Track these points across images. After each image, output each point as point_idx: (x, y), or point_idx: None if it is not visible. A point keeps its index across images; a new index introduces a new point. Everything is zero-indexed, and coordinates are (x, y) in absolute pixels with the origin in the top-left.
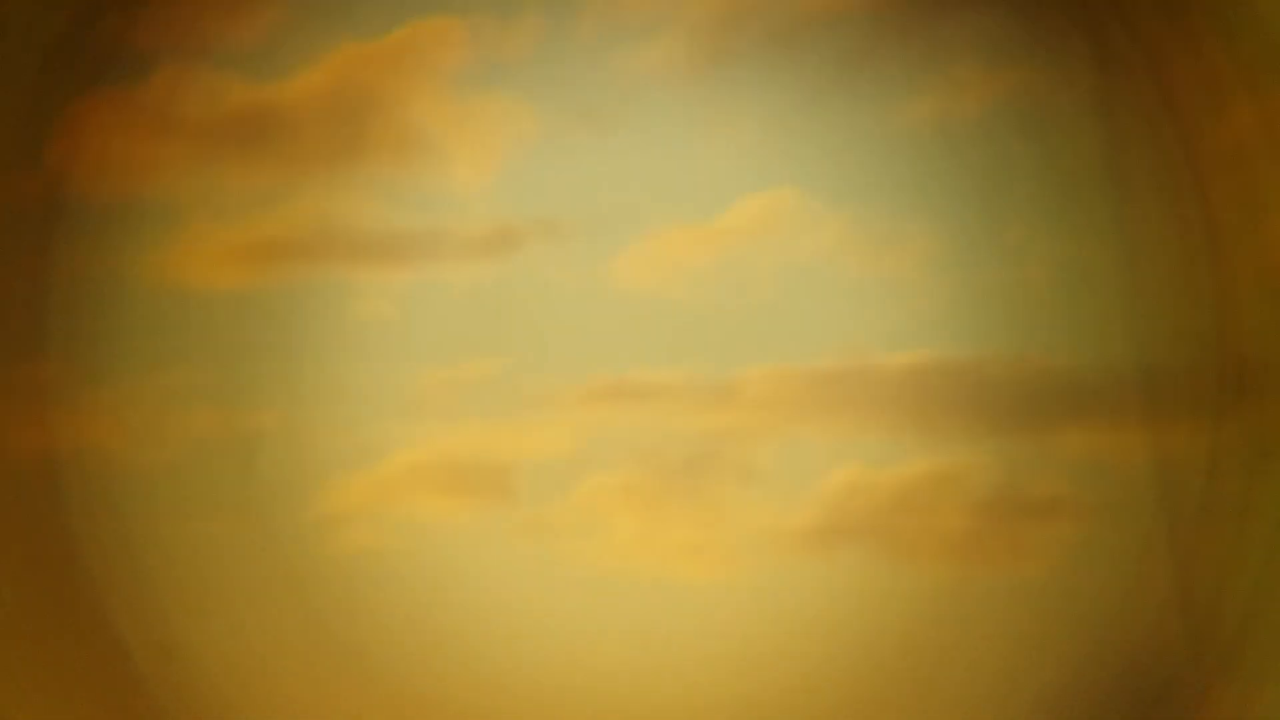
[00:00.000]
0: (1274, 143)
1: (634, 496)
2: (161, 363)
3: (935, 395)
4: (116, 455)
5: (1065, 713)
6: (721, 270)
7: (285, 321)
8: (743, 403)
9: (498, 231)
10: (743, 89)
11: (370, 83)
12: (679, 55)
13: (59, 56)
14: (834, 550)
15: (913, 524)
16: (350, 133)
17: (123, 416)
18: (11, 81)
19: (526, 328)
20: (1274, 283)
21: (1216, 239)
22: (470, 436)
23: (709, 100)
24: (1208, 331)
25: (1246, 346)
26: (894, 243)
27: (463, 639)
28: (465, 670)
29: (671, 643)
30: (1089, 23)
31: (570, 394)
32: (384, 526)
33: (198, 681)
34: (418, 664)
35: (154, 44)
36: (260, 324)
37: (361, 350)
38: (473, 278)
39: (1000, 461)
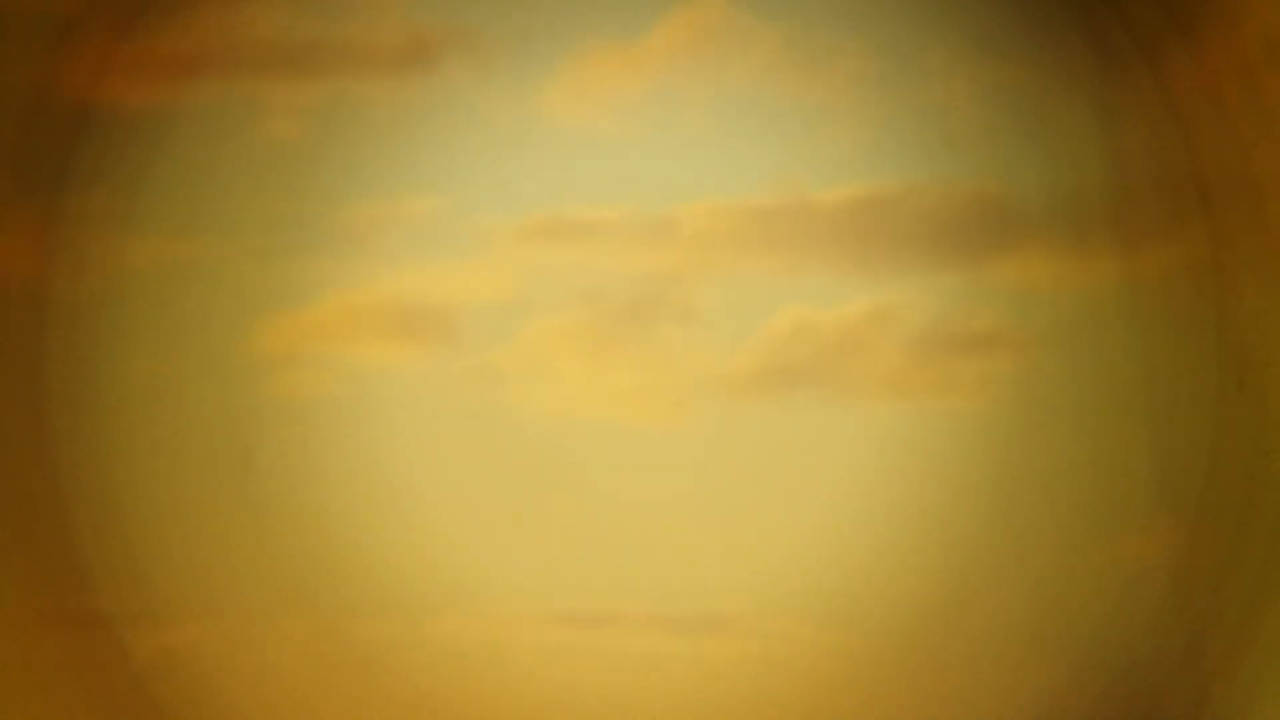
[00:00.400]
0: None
1: (578, 341)
2: (75, 185)
3: (871, 229)
4: (39, 284)
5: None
6: (651, 98)
7: (196, 142)
8: (681, 241)
9: (412, 42)
10: None
11: None
12: None
13: None
14: (779, 393)
15: (855, 364)
16: None
17: (42, 242)
18: None
19: (456, 160)
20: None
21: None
22: (408, 278)
23: None
24: (1143, 153)
25: (1184, 168)
26: (826, 62)
27: (410, 487)
28: (411, 518)
29: (622, 488)
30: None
31: (507, 233)
32: (324, 371)
33: (133, 527)
34: (363, 512)
35: None
36: (170, 145)
37: (281, 177)
38: (391, 98)
39: (936, 296)
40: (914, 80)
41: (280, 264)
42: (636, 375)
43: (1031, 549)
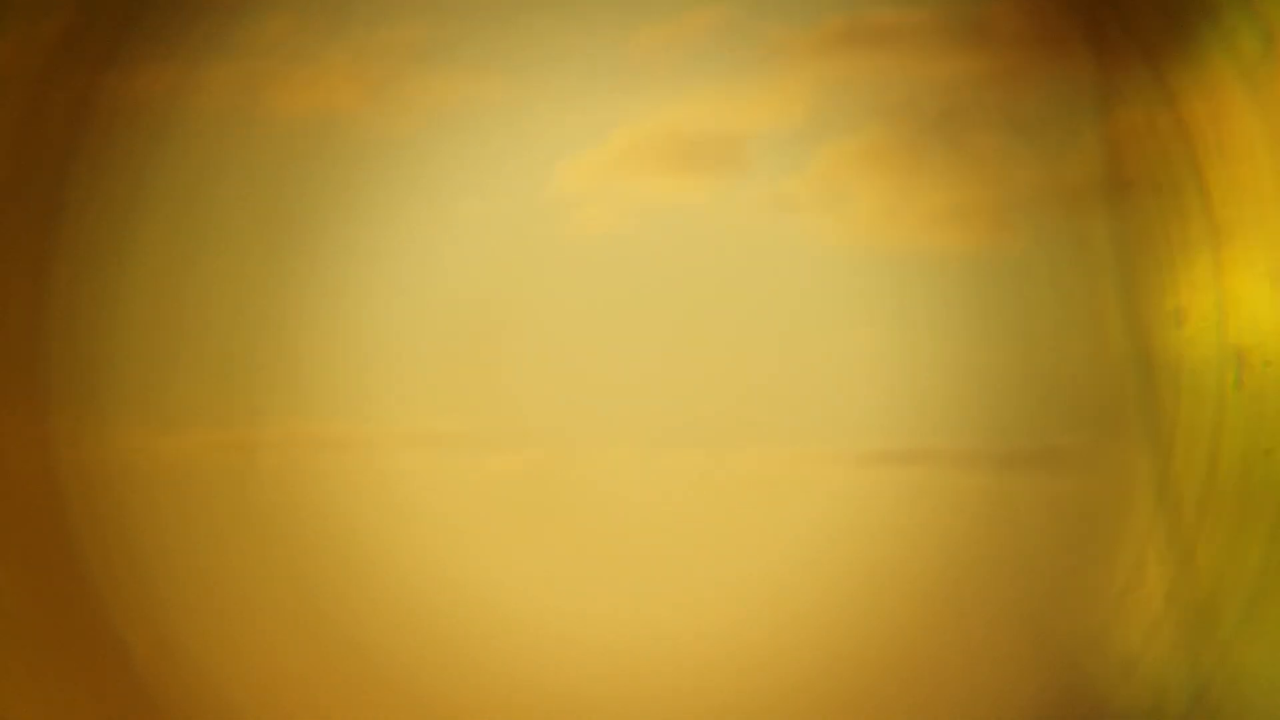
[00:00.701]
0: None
1: (882, 160)
2: (388, 20)
3: None
4: (358, 119)
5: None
6: None
7: None
8: (998, 39)
9: None
10: None
11: None
12: None
13: None
14: (1120, 202)
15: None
16: None
17: (359, 76)
18: None
19: None
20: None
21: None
22: (695, 104)
23: None
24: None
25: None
26: None
27: (703, 322)
28: (709, 350)
29: (938, 317)
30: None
31: (801, 44)
32: (612, 208)
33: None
34: (659, 341)
35: None
36: None
37: (567, 9)
38: None
39: None
40: None
41: (568, 99)
42: (949, 194)
43: None
